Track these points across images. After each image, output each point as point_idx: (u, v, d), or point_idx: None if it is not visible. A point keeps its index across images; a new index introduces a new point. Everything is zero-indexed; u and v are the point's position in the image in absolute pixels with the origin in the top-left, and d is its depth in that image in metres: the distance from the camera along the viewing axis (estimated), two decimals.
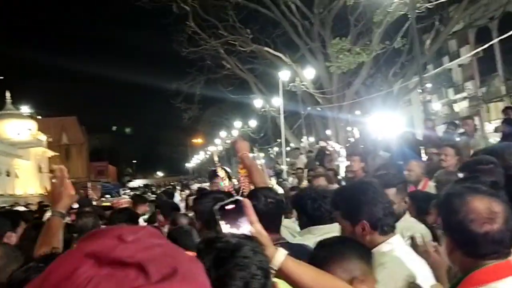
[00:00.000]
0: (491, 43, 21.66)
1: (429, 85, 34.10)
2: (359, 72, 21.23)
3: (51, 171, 47.93)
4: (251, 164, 3.00)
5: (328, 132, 23.44)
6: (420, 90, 8.79)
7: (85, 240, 0.57)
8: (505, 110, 7.23)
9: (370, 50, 17.10)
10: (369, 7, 19.29)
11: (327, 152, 10.51)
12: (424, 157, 5.64)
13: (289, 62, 20.53)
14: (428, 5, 8.63)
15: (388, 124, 8.15)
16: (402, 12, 17.29)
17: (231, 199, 1.39)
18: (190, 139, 63.12)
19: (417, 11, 8.58)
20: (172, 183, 37.39)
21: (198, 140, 58.97)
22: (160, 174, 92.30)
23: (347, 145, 8.98)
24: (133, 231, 0.56)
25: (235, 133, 34.39)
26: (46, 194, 2.71)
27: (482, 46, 22.46)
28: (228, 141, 36.37)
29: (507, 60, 29.50)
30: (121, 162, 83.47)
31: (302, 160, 12.46)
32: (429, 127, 7.43)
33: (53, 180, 2.23)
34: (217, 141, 40.28)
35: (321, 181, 3.98)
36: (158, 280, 0.50)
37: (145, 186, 42.55)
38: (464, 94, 32.18)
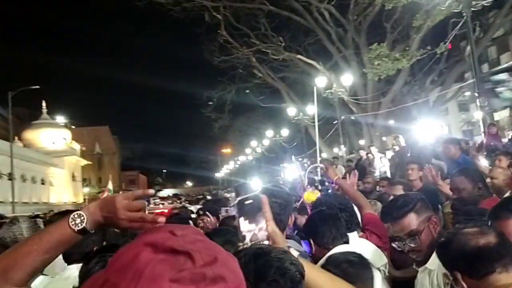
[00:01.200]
0: None
1: (467, 93, 33.09)
2: (394, 80, 20.59)
3: (84, 179, 48.88)
4: (349, 188, 3.00)
5: (362, 142, 22.79)
6: (477, 94, 8.15)
7: (144, 233, 0.71)
8: None
9: (410, 55, 16.46)
10: (407, 12, 18.72)
11: (369, 161, 9.99)
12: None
13: (323, 69, 20.07)
14: (484, 2, 8.06)
15: (432, 132, 7.61)
16: (442, 17, 16.72)
17: (251, 194, 1.42)
18: (219, 149, 63.21)
19: (472, 9, 8.02)
20: (202, 194, 37.28)
21: (227, 150, 58.94)
22: (189, 183, 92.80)
23: (393, 153, 8.44)
24: (182, 228, 0.71)
25: (266, 142, 34.00)
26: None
27: None
28: (258, 151, 35.97)
29: None
30: (151, 172, 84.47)
31: (341, 170, 11.93)
32: (493, 133, 6.84)
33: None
34: (248, 150, 39.95)
35: (399, 190, 3.53)
36: (202, 265, 0.63)
37: (175, 195, 42.64)
38: (507, 103, 30.76)
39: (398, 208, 2.02)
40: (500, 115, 31.41)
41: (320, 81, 16.75)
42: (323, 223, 2.32)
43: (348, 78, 16.80)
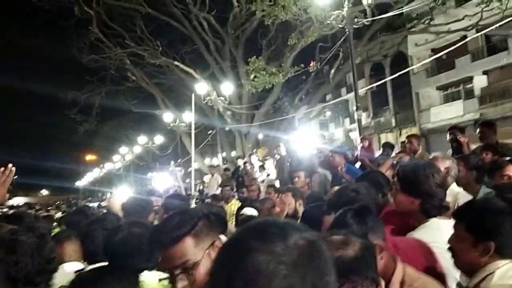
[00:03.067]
0: (385, 80, 23.53)
1: (328, 113, 36.15)
2: (267, 96, 21.50)
3: None
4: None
5: (233, 153, 23.21)
6: (355, 108, 8.80)
7: None
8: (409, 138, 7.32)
9: (285, 71, 17.33)
10: (282, 30, 19.75)
11: (245, 170, 10.07)
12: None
13: (200, 78, 19.99)
14: (365, 20, 8.81)
15: (309, 142, 8.03)
16: (313, 39, 18.03)
17: None
18: (83, 155, 58.61)
19: (354, 26, 8.70)
20: (58, 202, 33.95)
21: (92, 157, 54.96)
22: (45, 192, 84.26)
23: (275, 162, 8.64)
24: None
25: (137, 149, 32.40)
26: None
27: (377, 80, 24.31)
28: (128, 158, 34.17)
29: (397, 95, 32.30)
30: None
31: (217, 179, 11.85)
32: (366, 146, 7.40)
33: None
34: (116, 157, 37.62)
35: (289, 198, 3.45)
36: None
37: (27, 204, 38.11)
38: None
39: (171, 230, 1.48)
40: (355, 135, 34.98)
41: (200, 88, 16.59)
42: None
43: (228, 87, 16.97)
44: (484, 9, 19.27)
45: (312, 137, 9.06)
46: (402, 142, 8.70)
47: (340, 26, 8.92)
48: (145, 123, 29.06)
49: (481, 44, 26.19)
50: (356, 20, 8.66)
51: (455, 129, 5.93)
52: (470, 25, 20.96)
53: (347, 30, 8.70)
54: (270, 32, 20.46)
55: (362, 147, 7.45)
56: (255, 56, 17.36)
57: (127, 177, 34.44)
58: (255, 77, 16.88)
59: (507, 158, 3.84)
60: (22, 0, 21.10)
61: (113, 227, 2.39)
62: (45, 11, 21.51)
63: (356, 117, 8.63)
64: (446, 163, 3.32)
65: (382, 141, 31.47)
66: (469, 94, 27.63)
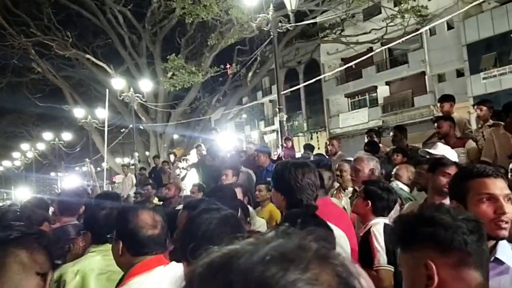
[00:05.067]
0: (299, 86, 24.48)
1: (244, 116, 36.60)
2: (184, 95, 21.19)
3: None
4: None
5: (147, 153, 22.52)
6: (278, 109, 8.97)
7: None
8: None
9: (205, 71, 17.21)
10: (201, 30, 19.64)
11: (163, 170, 9.83)
12: None
13: (114, 73, 19.12)
14: (288, 25, 9.04)
15: (229, 143, 8.08)
16: (233, 41, 18.18)
17: None
18: None
19: (278, 30, 8.89)
20: None
21: None
22: None
23: (194, 162, 8.54)
24: None
25: (41, 146, 29.94)
26: None
27: (291, 86, 25.21)
28: (29, 156, 31.50)
29: (309, 100, 33.75)
30: None
31: (131, 178, 11.42)
32: (289, 147, 7.60)
33: None
34: (16, 154, 34.34)
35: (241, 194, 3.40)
36: None
37: None
38: (274, 127, 35.34)
39: None
40: (269, 137, 35.88)
41: (116, 83, 15.83)
42: None
43: (146, 84, 16.41)
44: (389, 24, 20.90)
45: (231, 138, 9.12)
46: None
47: (265, 29, 9.07)
48: (50, 118, 26.96)
49: (385, 56, 28.36)
50: (280, 24, 8.89)
51: (372, 131, 6.34)
52: (376, 38, 22.59)
53: (271, 33, 8.90)
54: (189, 31, 20.22)
55: (286, 147, 7.66)
56: (174, 54, 17.01)
57: (28, 177, 31.77)
58: (173, 75, 16.55)
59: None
60: None
61: None
62: None
63: (278, 118, 8.84)
64: (370, 164, 3.54)
65: (295, 145, 32.71)
66: (374, 102, 29.76)
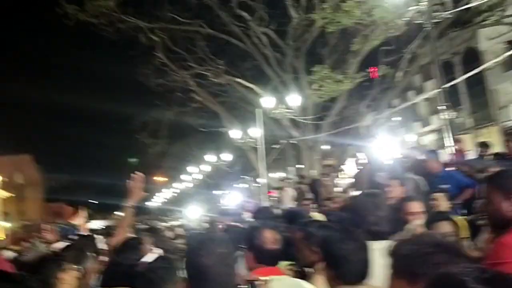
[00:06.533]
0: (461, 79, 21.99)
1: (397, 119, 34.65)
2: (331, 106, 20.93)
3: (5, 213, 44.45)
4: None
5: (300, 166, 22.74)
6: (444, 107, 8.14)
7: None
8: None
9: (352, 77, 16.75)
10: (343, 37, 19.21)
11: (323, 181, 9.63)
12: None
13: (263, 93, 19.91)
14: (445, 14, 8.18)
15: (391, 149, 7.47)
16: (378, 42, 17.32)
17: None
18: (151, 176, 60.65)
19: (434, 20, 8.11)
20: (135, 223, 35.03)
21: (161, 178, 56.74)
22: (120, 214, 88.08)
23: (357, 172, 8.18)
24: None
25: (205, 167, 32.90)
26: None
27: (447, 80, 22.82)
28: (198, 177, 34.71)
29: (471, 93, 30.30)
30: (77, 203, 79.09)
31: (289, 192, 11.52)
32: (460, 149, 6.74)
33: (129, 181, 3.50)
34: (185, 177, 38.49)
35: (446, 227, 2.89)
36: None
37: (107, 227, 39.85)
38: (431, 127, 32.73)
39: None
40: (428, 139, 33.22)
41: (266, 102, 16.43)
42: None
43: (295, 99, 16.67)
44: None
45: (393, 143, 8.46)
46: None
47: (417, 22, 8.29)
48: (212, 141, 29.46)
49: None
50: (434, 14, 8.01)
51: None
52: None
53: (424, 26, 8.07)
54: (331, 40, 20.01)
55: (456, 149, 6.75)
56: (319, 65, 16.93)
57: (196, 196, 35.04)
58: (320, 86, 16.44)
59: None
60: (91, 33, 21.92)
61: None
62: (113, 42, 22.49)
63: (444, 116, 7.92)
64: None
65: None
66: None
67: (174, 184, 41.88)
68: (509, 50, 20.88)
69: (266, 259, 2.42)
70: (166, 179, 53.70)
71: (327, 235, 2.06)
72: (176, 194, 43.07)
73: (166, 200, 49.31)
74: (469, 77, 21.61)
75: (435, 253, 1.16)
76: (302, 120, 19.62)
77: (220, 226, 5.98)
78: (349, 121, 22.14)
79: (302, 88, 20.55)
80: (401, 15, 8.00)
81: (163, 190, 55.10)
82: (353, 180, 7.63)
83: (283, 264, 2.64)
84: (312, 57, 21.50)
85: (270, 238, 2.50)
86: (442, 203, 4.01)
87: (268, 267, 2.39)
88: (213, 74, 22.15)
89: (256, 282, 2.04)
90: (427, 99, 31.94)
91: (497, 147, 10.54)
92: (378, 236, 2.36)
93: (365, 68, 20.08)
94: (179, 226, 14.92)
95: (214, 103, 23.96)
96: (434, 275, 0.91)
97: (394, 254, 1.26)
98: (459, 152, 6.57)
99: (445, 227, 2.94)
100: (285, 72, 21.86)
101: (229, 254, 1.85)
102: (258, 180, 22.98)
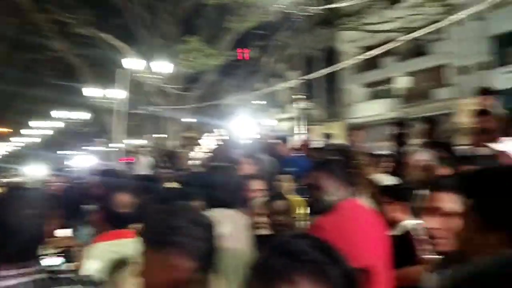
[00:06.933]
0: (317, 74, 23.75)
1: (259, 102, 36.12)
2: (198, 78, 20.83)
3: None
4: None
5: (158, 135, 22.29)
6: (300, 97, 8.62)
7: None
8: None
9: (222, 55, 16.87)
10: (219, 12, 19.21)
11: (180, 152, 9.57)
12: None
13: (132, 53, 18.87)
14: (320, 8, 8.66)
15: (250, 129, 7.75)
16: (252, 24, 17.75)
17: None
18: None
19: (303, 13, 8.49)
20: None
21: (2, 129, 50.18)
22: None
23: (215, 147, 8.28)
24: None
25: (55, 124, 29.96)
26: None
27: (309, 73, 24.56)
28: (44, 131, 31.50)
29: (327, 89, 33.14)
30: None
31: (145, 160, 11.19)
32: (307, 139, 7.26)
33: None
34: (29, 131, 34.42)
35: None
36: None
37: None
38: (289, 115, 34.84)
39: None
40: (285, 125, 35.46)
41: (135, 64, 15.51)
42: None
43: (167, 66, 16.09)
44: (413, 14, 20.21)
45: (252, 125, 8.81)
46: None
47: (292, 11, 8.70)
48: (63, 97, 26.75)
49: (406, 46, 27.56)
50: (306, 7, 8.50)
51: (396, 123, 5.95)
52: (399, 27, 21.88)
53: (298, 18, 8.51)
54: (209, 14, 19.81)
55: (306, 137, 7.32)
56: (193, 35, 16.65)
57: (42, 153, 31.86)
58: (192, 57, 16.22)
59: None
60: None
61: None
62: None
63: (300, 106, 8.49)
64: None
65: (312, 132, 32.20)
66: (392, 93, 29.10)
67: (16, 138, 37.34)
68: (361, 55, 23.38)
69: (116, 221, 2.38)
70: (10, 130, 47.78)
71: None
72: (20, 148, 38.55)
73: (7, 153, 43.73)
74: (327, 74, 23.61)
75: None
76: (168, 89, 19.19)
77: (55, 185, 5.69)
78: (214, 98, 22.38)
79: (171, 56, 20.01)
80: (275, 1, 8.32)
81: (4, 142, 48.91)
82: (211, 154, 7.75)
83: (132, 227, 2.64)
84: (187, 27, 21.04)
85: (124, 201, 2.46)
86: (286, 184, 4.35)
87: (118, 229, 2.41)
88: (77, 24, 20.09)
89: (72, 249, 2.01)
90: (288, 88, 34.03)
91: (341, 139, 11.82)
92: (219, 204, 2.59)
93: (237, 48, 20.44)
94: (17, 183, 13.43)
95: (73, 55, 21.83)
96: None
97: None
98: (308, 140, 7.18)
99: (279, 205, 3.20)
100: (157, 37, 21.03)
101: (37, 214, 1.69)
102: (112, 144, 21.87)
